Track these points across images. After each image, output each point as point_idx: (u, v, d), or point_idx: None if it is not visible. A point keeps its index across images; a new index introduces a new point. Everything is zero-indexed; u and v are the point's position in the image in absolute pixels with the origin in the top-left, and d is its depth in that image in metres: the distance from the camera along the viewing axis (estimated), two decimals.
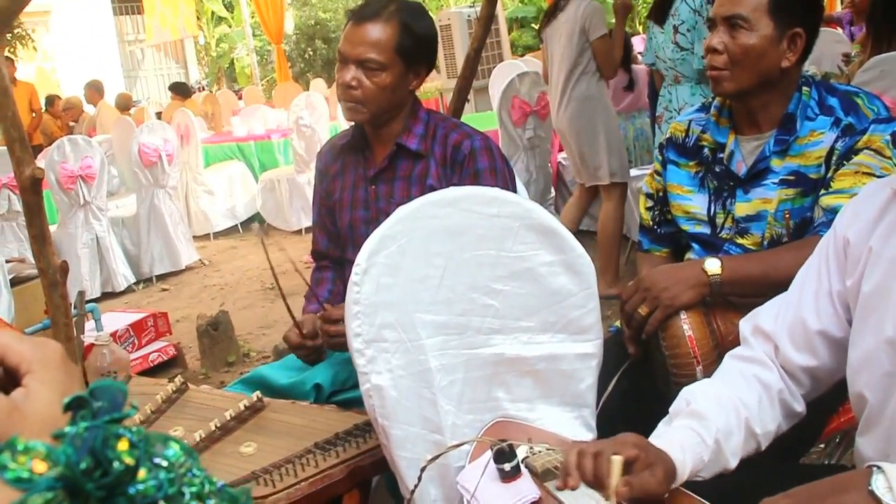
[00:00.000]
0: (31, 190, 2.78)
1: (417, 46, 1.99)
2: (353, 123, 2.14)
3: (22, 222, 4.27)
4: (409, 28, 1.97)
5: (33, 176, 2.75)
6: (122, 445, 0.41)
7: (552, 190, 5.78)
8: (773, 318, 1.40)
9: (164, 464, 0.43)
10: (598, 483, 1.16)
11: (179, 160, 6.88)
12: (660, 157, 1.97)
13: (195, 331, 4.37)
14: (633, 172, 4.87)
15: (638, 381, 1.74)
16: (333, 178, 2.18)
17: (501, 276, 1.57)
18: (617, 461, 1.13)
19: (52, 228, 5.44)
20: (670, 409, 1.36)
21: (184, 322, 5.12)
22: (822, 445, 1.90)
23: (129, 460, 0.41)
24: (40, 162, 6.17)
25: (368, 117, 2.02)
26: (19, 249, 5.18)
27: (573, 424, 1.60)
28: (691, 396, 1.34)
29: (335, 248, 2.21)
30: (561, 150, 6.24)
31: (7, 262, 4.12)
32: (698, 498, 1.23)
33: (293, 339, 1.96)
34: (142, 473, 0.41)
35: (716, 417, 1.29)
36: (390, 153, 2.06)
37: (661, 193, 1.97)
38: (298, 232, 7.09)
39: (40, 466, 0.41)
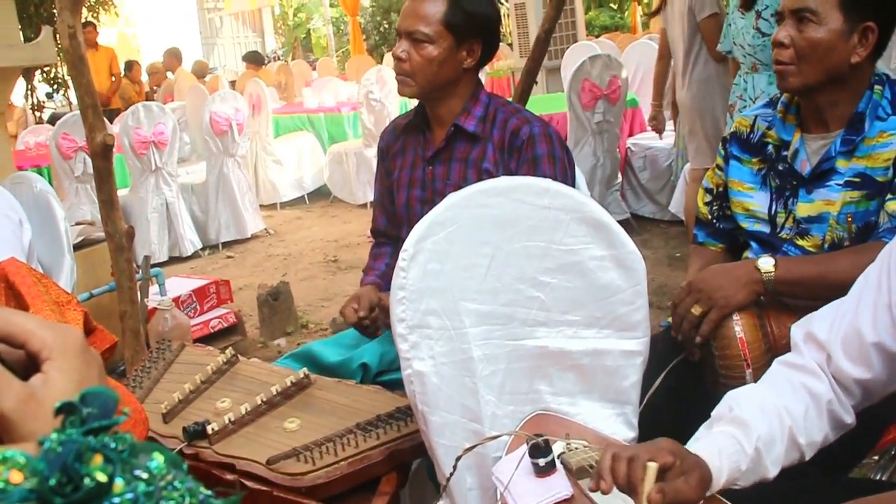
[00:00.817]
0: (101, 155, 2.85)
1: (468, 22, 1.99)
2: (417, 102, 2.14)
3: None
4: (459, 3, 1.97)
5: (104, 142, 2.82)
6: (96, 461, 0.41)
7: (619, 175, 5.68)
8: (828, 326, 1.35)
9: (145, 476, 0.42)
10: (630, 488, 1.14)
11: (250, 130, 6.98)
12: (722, 152, 1.92)
13: (256, 299, 4.45)
14: None
15: (685, 380, 1.71)
16: (394, 157, 2.20)
17: (549, 268, 1.55)
18: (652, 468, 1.11)
19: (124, 192, 5.59)
20: (713, 414, 1.33)
21: (246, 290, 5.21)
22: (875, 457, 1.84)
23: (101, 477, 0.41)
24: (115, 127, 6.34)
25: (418, 91, 2.03)
26: (92, 211, 5.32)
27: (615, 422, 1.58)
28: (734, 402, 1.31)
29: (393, 227, 2.23)
30: (631, 134, 6.13)
31: (78, 223, 4.24)
32: None
33: (349, 316, 1.98)
34: (118, 486, 0.41)
35: (758, 425, 1.25)
36: (448, 134, 2.06)
37: (720, 188, 1.91)
38: (364, 206, 7.14)
39: (17, 477, 0.41)
